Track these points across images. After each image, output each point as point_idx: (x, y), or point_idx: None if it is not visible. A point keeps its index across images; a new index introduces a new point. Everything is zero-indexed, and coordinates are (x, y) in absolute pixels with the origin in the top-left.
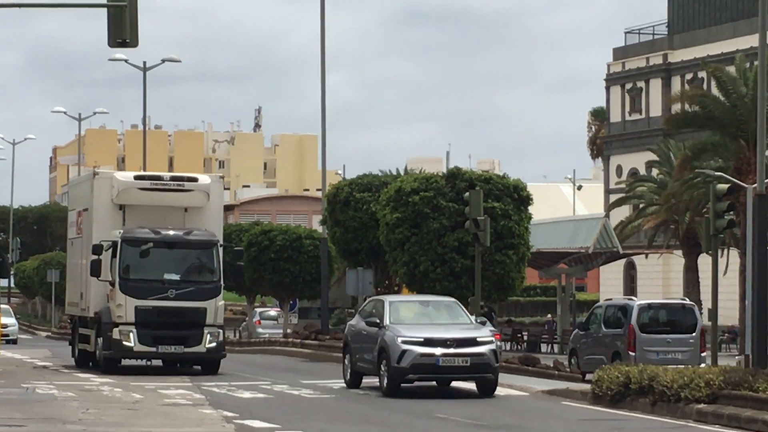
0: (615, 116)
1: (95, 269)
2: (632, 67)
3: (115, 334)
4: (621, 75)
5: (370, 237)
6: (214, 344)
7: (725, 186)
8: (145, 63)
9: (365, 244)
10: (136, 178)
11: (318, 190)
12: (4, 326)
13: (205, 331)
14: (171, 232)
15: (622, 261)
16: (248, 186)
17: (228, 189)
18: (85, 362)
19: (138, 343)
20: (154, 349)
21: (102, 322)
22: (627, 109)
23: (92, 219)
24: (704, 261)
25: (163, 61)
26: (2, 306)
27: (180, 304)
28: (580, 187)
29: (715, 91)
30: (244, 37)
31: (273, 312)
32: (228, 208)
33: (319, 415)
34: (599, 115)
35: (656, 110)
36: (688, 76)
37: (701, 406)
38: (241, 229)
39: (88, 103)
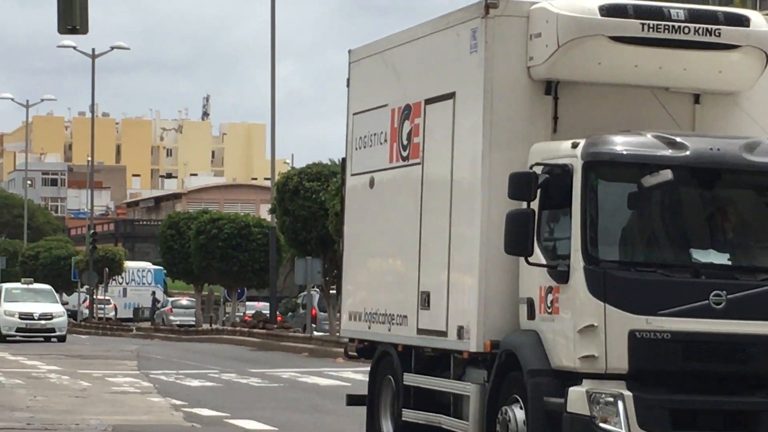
0: None
1: (520, 237)
2: None
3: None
4: None
5: (319, 226)
6: None
7: None
8: (93, 50)
9: (314, 233)
10: (606, 12)
11: (266, 179)
12: (46, 316)
13: None
14: (718, 145)
15: None
16: (196, 174)
17: (175, 177)
18: None
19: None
20: None
21: (529, 369)
22: None
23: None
24: None
25: (112, 48)
26: (40, 286)
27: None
28: None
29: None
30: (193, 26)
31: (185, 301)
32: (175, 197)
33: (268, 404)
34: None
35: None
36: None
37: None
38: (189, 217)
39: (36, 90)
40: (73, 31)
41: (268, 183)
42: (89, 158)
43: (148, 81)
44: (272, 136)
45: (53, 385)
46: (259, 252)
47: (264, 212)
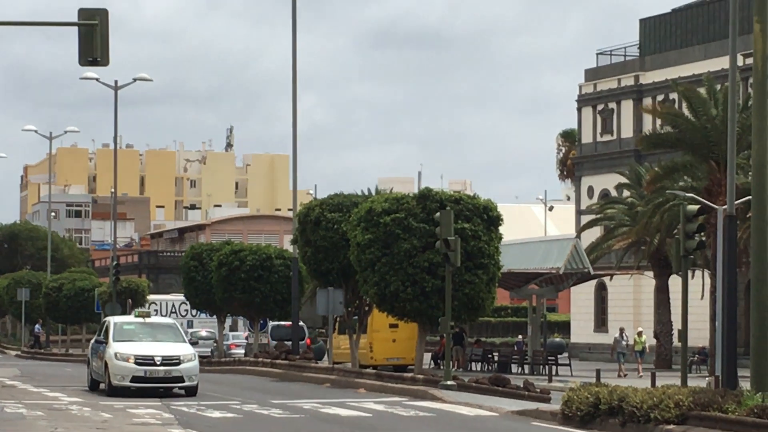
0: (586, 137)
1: None
2: (604, 89)
3: None
4: (592, 96)
5: (340, 257)
6: None
7: (695, 207)
8: (116, 82)
9: (336, 264)
10: None
11: (289, 209)
12: (171, 360)
13: None
14: None
15: (594, 282)
16: (219, 205)
17: (198, 209)
18: None
19: None
20: None
21: None
22: (598, 130)
23: None
24: (675, 282)
25: (135, 80)
26: (161, 319)
27: None
28: (551, 208)
29: (686, 112)
30: (216, 58)
31: (203, 332)
32: (199, 228)
33: None
34: (569, 137)
35: (627, 132)
36: (660, 98)
37: (671, 427)
38: (211, 249)
39: (60, 122)
40: (94, 63)
41: (291, 214)
42: (113, 190)
43: (172, 113)
44: (294, 167)
45: (74, 417)
46: (281, 283)
47: (287, 243)
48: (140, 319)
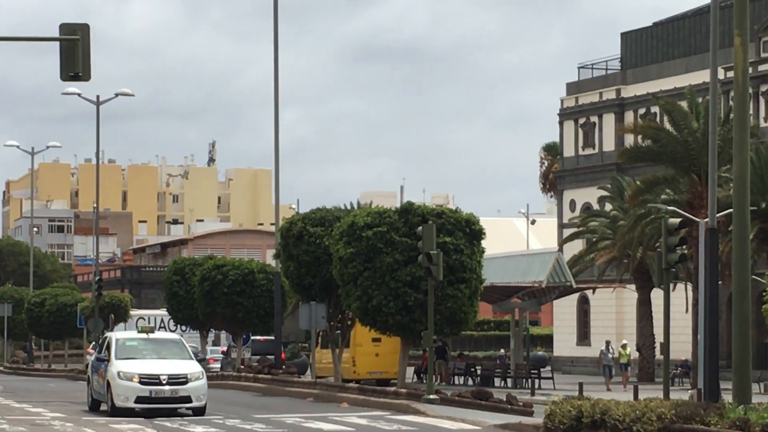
0: (568, 151)
1: None
2: (585, 102)
3: None
4: (574, 110)
5: (323, 271)
6: None
7: (677, 220)
8: (98, 97)
9: (318, 278)
10: None
11: (272, 224)
12: (178, 379)
13: None
14: None
15: (576, 295)
16: (202, 220)
17: (181, 223)
18: None
19: None
20: None
21: None
22: (580, 143)
23: None
24: (657, 295)
25: (117, 95)
26: (165, 335)
27: None
28: (533, 222)
29: (667, 125)
30: (199, 73)
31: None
32: (181, 243)
33: None
34: (551, 151)
35: (609, 145)
36: (641, 111)
37: None
38: (194, 264)
39: (42, 137)
40: (76, 78)
41: (273, 228)
42: (95, 205)
43: (154, 127)
44: (276, 182)
45: None
46: (263, 298)
47: (270, 257)
48: (144, 335)
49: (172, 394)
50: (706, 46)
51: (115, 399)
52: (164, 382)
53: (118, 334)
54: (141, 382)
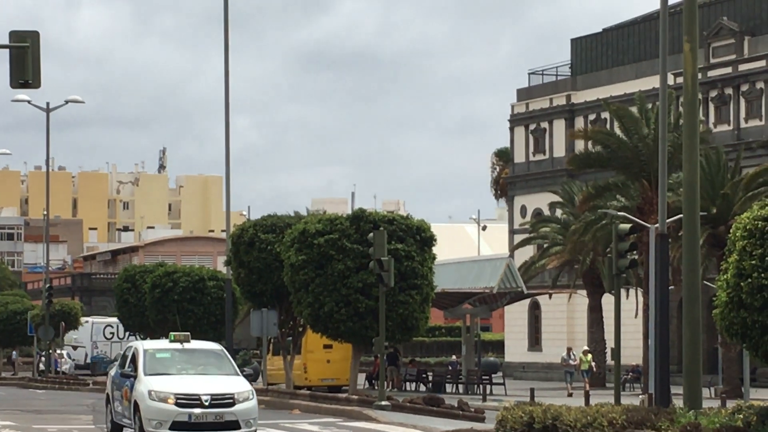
0: (519, 157)
1: None
2: (536, 108)
3: None
4: (525, 116)
5: (274, 278)
6: None
7: (627, 226)
8: (48, 104)
9: (270, 285)
10: None
11: (223, 231)
12: (224, 400)
13: None
14: None
15: (527, 301)
16: (153, 227)
17: (132, 231)
18: None
19: None
20: None
21: None
22: (531, 149)
23: None
24: (608, 300)
25: (67, 102)
26: (203, 344)
27: None
28: (484, 228)
29: (618, 131)
30: (149, 81)
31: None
32: (132, 250)
33: None
34: (503, 156)
35: (560, 151)
36: (591, 117)
37: None
38: (145, 271)
39: None
40: (26, 85)
41: (224, 235)
42: (45, 212)
43: (104, 135)
44: (227, 189)
45: None
46: (214, 305)
47: (221, 264)
48: (178, 344)
49: (216, 419)
50: (656, 52)
51: (145, 424)
52: (206, 403)
53: (146, 344)
54: (178, 404)
